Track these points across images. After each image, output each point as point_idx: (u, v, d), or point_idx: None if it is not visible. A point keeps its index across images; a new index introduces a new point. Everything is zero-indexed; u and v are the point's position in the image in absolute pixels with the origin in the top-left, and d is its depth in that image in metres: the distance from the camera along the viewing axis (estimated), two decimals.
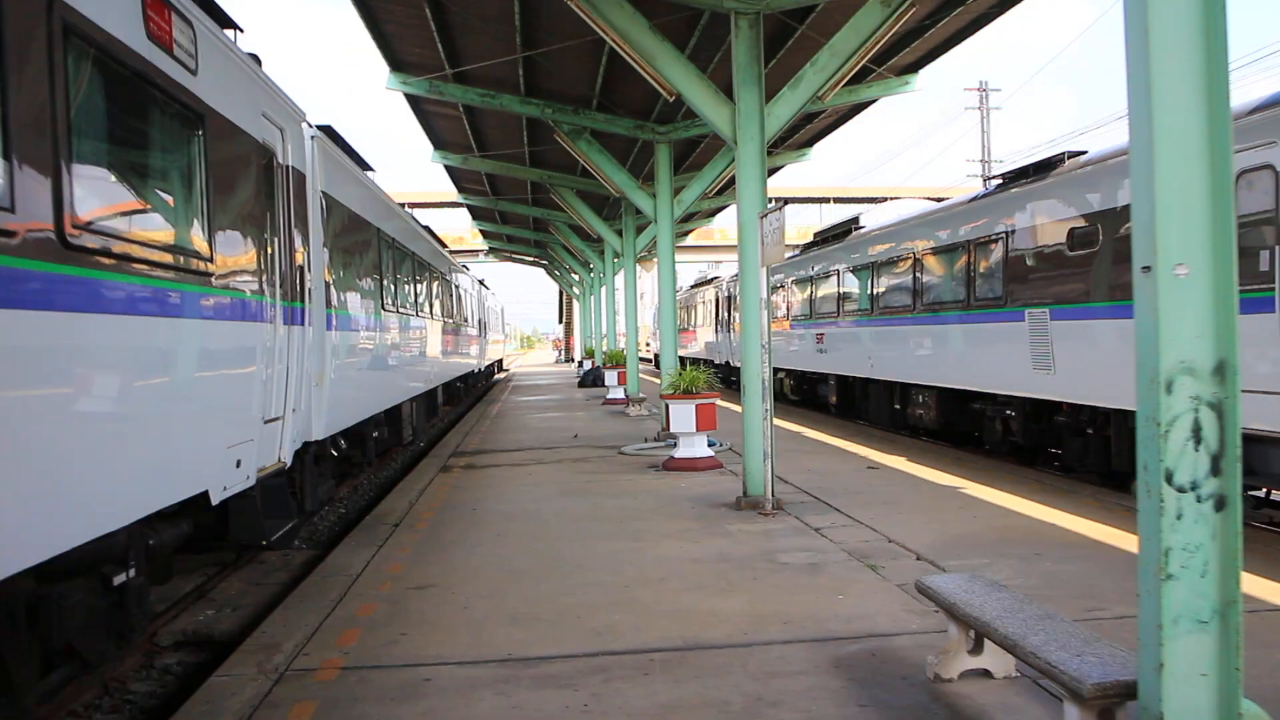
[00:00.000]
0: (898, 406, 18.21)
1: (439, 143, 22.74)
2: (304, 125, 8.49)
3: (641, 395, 22.64)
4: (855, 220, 20.84)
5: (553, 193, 24.11)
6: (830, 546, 8.36)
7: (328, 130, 10.10)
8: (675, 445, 13.54)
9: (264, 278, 6.86)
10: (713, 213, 34.06)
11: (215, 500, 5.99)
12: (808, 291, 23.18)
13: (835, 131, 21.69)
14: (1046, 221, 12.38)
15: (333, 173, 9.93)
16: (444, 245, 24.72)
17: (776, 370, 27.21)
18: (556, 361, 74.49)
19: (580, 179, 23.82)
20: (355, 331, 10.77)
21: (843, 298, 20.41)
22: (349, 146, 11.40)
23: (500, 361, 56.32)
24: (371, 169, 13.21)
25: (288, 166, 7.70)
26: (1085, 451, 12.64)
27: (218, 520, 7.03)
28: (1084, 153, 12.50)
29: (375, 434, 12.63)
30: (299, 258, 7.89)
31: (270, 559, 9.59)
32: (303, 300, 7.92)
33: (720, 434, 15.00)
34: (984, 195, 14.49)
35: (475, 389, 35.68)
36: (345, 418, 10.41)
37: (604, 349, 36.69)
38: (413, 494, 11.96)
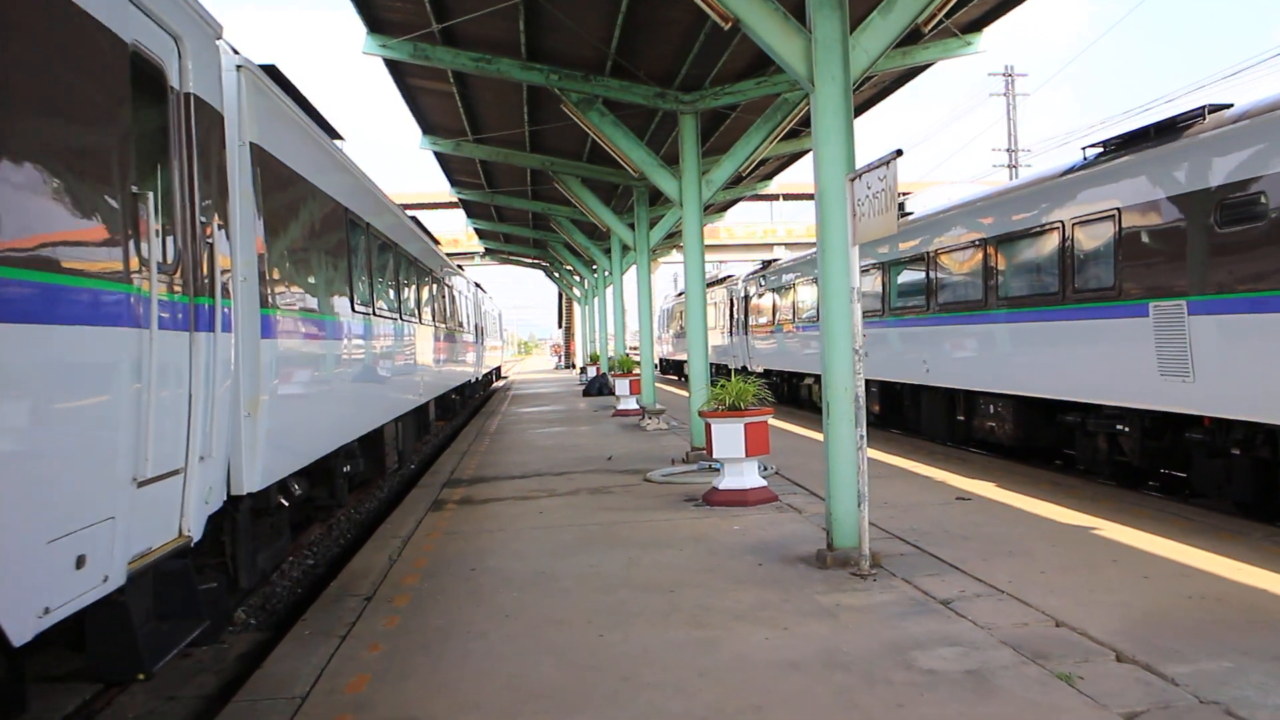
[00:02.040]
0: (960, 418, 15.72)
1: (428, 126, 20.26)
2: (220, 44, 5.97)
3: (659, 406, 20.14)
4: (900, 206, 18.36)
5: (556, 181, 21.63)
6: (980, 635, 5.87)
7: (271, 70, 7.61)
8: (718, 473, 11.05)
9: (132, 256, 4.38)
10: (725, 207, 31.55)
11: (18, 640, 3.49)
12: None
13: (878, 105, 19.27)
14: (1184, 192, 9.90)
15: (274, 124, 7.45)
16: (436, 242, 22.22)
17: (801, 376, 24.72)
18: (556, 368, 71.98)
19: (587, 165, 21.36)
20: (312, 339, 8.28)
21: (889, 293, 17.93)
22: (305, 99, 8.90)
23: (498, 369, 53.81)
24: (340, 137, 10.73)
25: (188, 96, 5.20)
26: (1227, 476, 10.20)
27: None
28: (1229, 105, 10.04)
29: (347, 468, 10.14)
30: (211, 232, 5.39)
31: (199, 653, 7.07)
32: (217, 295, 5.40)
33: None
34: (1084, 166, 12.01)
35: (472, 400, 33.16)
36: (297, 455, 7.92)
37: (611, 353, 34.20)
38: (395, 543, 9.46)
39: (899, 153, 6.58)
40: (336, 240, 9.60)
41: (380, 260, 12.48)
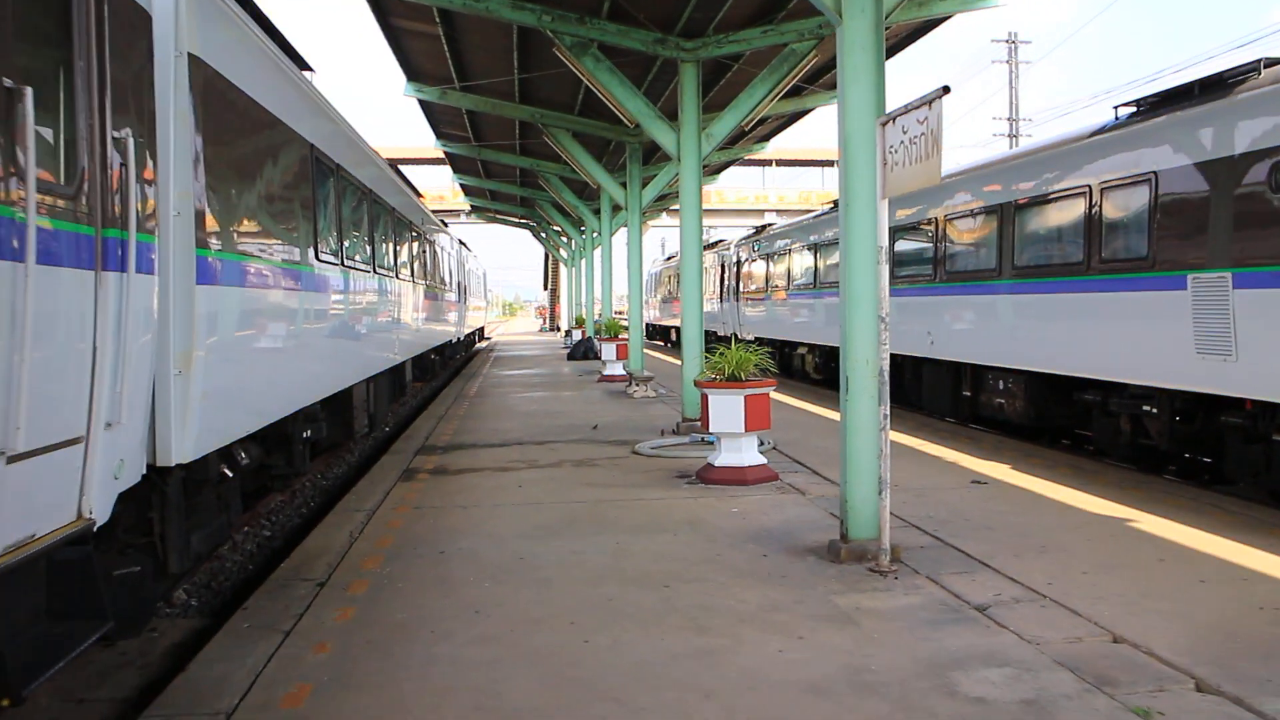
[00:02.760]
0: (966, 394, 14.89)
1: (412, 72, 19.16)
2: None
3: (647, 373, 19.26)
4: None
5: (545, 134, 20.58)
6: (1030, 653, 5.02)
7: None
8: (713, 447, 10.20)
9: (6, 167, 3.42)
10: (719, 169, 30.48)
11: None
12: (839, 254, 19.77)
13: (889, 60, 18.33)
14: (1235, 154, 9.02)
15: (223, 38, 6.45)
16: (419, 195, 21.19)
17: (795, 345, 23.88)
18: (541, 330, 70.99)
19: (579, 118, 20.32)
20: (264, 289, 7.31)
21: (891, 261, 17.04)
22: (267, 20, 7.89)
23: (481, 330, 52.78)
24: (310, 68, 9.72)
25: None
26: (1266, 464, 9.41)
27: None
28: None
29: (308, 433, 9.21)
30: (128, 154, 4.43)
31: (125, 644, 6.16)
32: (131, 228, 4.43)
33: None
34: (1115, 126, 11.11)
35: (453, 361, 32.21)
36: (244, 418, 6.98)
37: (597, 316, 33.28)
38: (358, 518, 8.58)
39: (946, 90, 5.67)
40: (301, 182, 8.61)
41: (354, 209, 11.50)
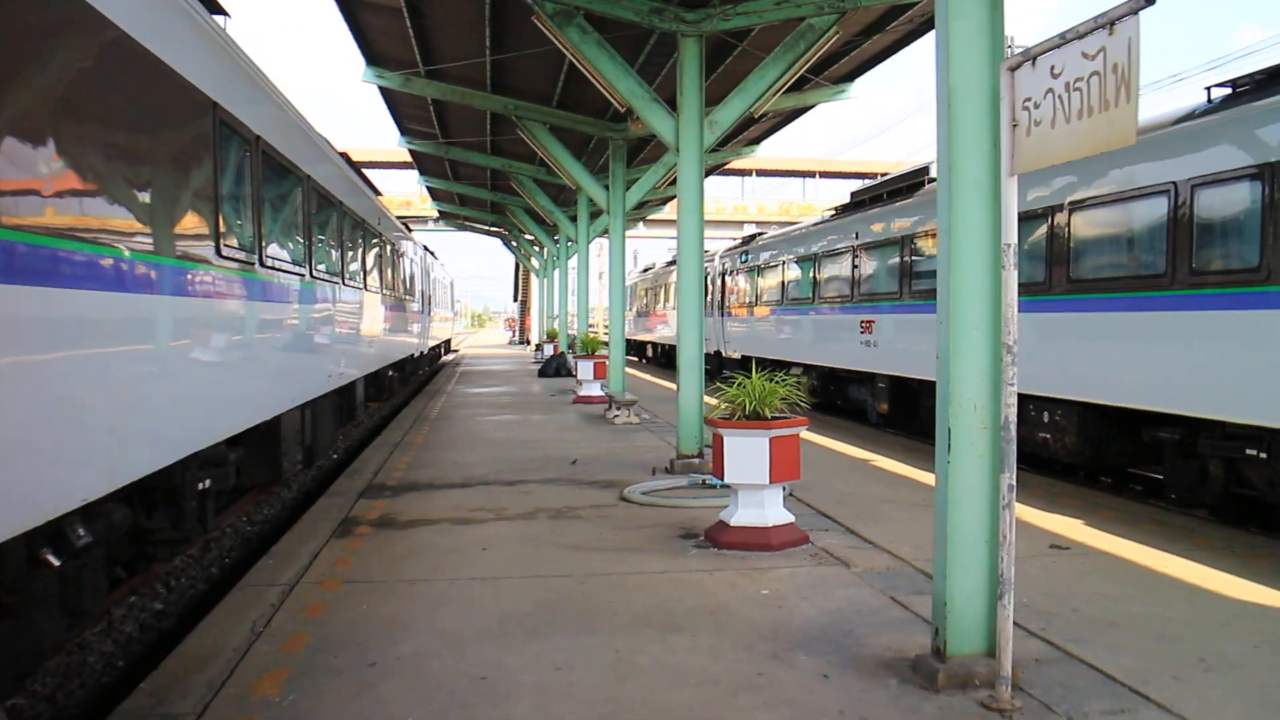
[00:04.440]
0: None
1: (373, 55, 17.09)
2: None
3: (630, 396, 17.18)
4: (924, 171, 15.55)
5: (520, 128, 18.52)
6: None
7: None
8: (716, 491, 8.22)
9: None
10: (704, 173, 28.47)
11: None
12: (842, 267, 17.85)
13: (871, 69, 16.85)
14: None
15: None
16: (376, 193, 19.05)
17: (788, 365, 21.89)
18: (510, 343, 68.73)
19: (557, 111, 18.30)
20: (108, 293, 5.14)
21: (907, 275, 15.11)
22: None
23: (448, 342, 50.49)
24: (222, 11, 7.63)
25: None
26: None
27: None
28: None
29: (206, 482, 7.08)
30: None
31: None
32: None
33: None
34: (1209, 110, 9.22)
35: (416, 376, 30.00)
36: (75, 479, 4.80)
37: (572, 330, 31.19)
38: (268, 600, 6.47)
39: (1149, 1, 3.67)
40: (191, 150, 6.45)
41: (283, 197, 9.38)
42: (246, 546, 9.93)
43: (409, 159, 30.86)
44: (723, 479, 7.81)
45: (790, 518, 7.95)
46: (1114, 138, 3.81)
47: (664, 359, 38.83)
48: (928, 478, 11.22)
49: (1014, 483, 4.57)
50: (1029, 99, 4.38)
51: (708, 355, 30.91)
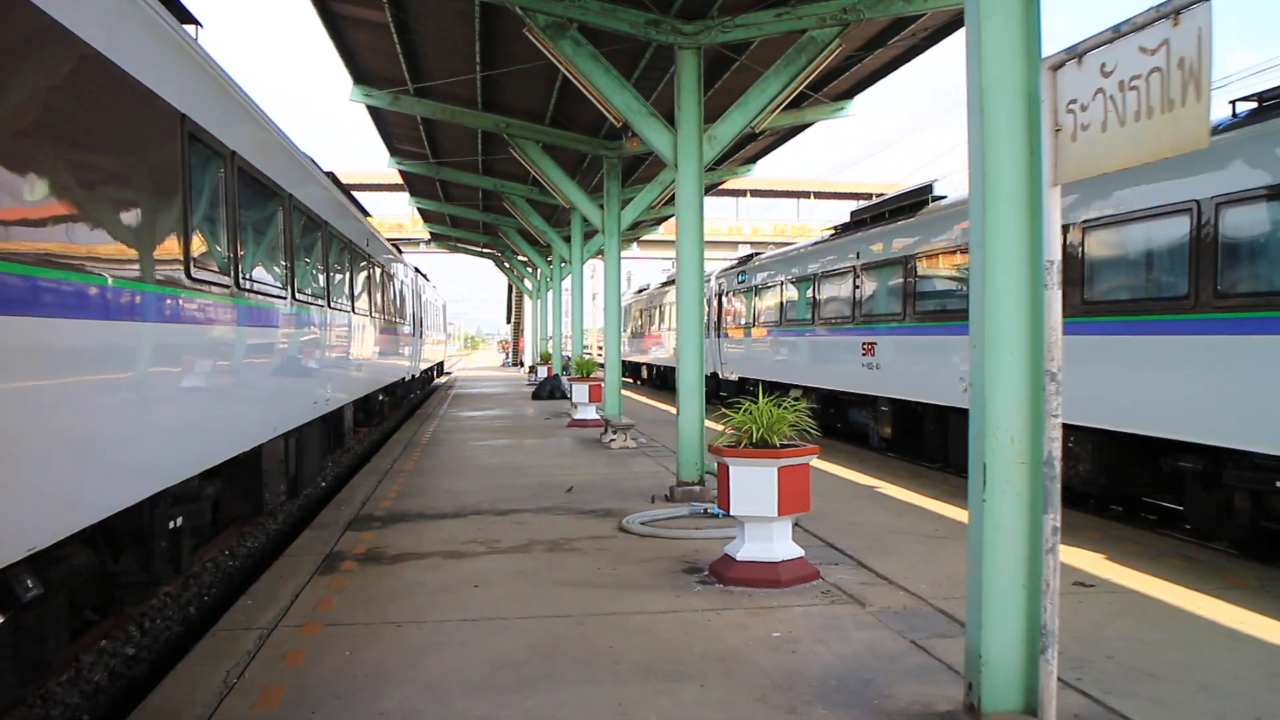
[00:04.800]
0: None
1: (360, 73, 16.73)
2: None
3: (626, 420, 16.74)
4: (928, 189, 15.20)
5: (512, 146, 18.15)
6: None
7: None
8: (719, 522, 7.79)
9: None
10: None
11: None
12: (843, 288, 17.48)
13: (872, 85, 16.58)
14: None
15: None
16: (365, 213, 18.65)
17: (786, 387, 21.47)
18: (503, 365, 68.26)
19: (550, 129, 17.93)
20: (67, 318, 4.70)
21: (911, 295, 14.72)
22: None
23: (441, 365, 50.01)
24: (195, 21, 7.22)
25: None
26: None
27: None
28: None
29: (177, 521, 6.62)
30: None
31: None
32: None
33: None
34: (1235, 125, 8.86)
35: (408, 400, 29.52)
36: (26, 522, 4.36)
37: (566, 351, 30.79)
38: (244, 646, 6.01)
39: None
40: (156, 165, 6.03)
41: (261, 216, 8.94)
42: (228, 582, 9.46)
43: (400, 181, 30.46)
44: (728, 510, 7.38)
45: (799, 552, 7.52)
46: (1181, 140, 3.41)
47: (659, 380, 38.41)
48: (938, 506, 10.81)
49: (1059, 524, 4.15)
50: (1074, 100, 3.98)
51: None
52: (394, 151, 23.23)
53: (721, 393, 30.02)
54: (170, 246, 6.15)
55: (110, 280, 5.22)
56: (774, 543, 7.37)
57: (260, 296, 8.47)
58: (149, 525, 6.15)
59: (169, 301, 6.08)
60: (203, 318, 6.73)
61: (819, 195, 58.55)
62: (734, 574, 7.31)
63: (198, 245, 6.66)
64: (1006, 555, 4.45)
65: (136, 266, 5.61)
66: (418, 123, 19.36)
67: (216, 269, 7.19)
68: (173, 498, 6.48)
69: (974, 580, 4.53)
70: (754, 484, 7.22)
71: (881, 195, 22.32)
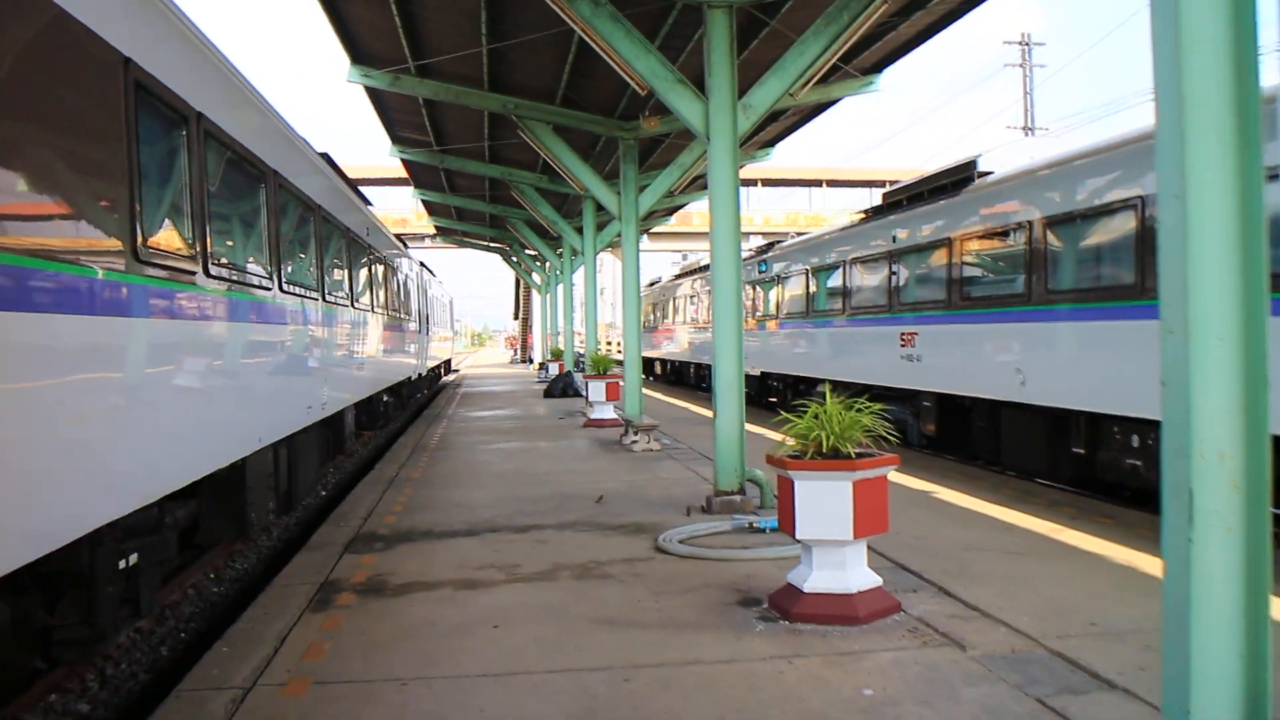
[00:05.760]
0: (1079, 450, 11.34)
1: (358, 52, 15.57)
2: None
3: (649, 420, 15.57)
4: (972, 165, 14.00)
5: (521, 128, 16.97)
6: None
7: None
8: (803, 559, 6.66)
9: None
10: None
11: None
12: (877, 274, 16.31)
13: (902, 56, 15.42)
14: None
15: None
16: (366, 202, 17.50)
17: (814, 382, 20.32)
18: (511, 362, 67.12)
19: (561, 109, 16.75)
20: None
21: (957, 280, 13.54)
22: None
23: (448, 362, 48.89)
24: None
25: None
26: None
27: None
28: None
29: (130, 559, 5.48)
30: None
31: None
32: None
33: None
34: None
35: (415, 400, 28.41)
36: None
37: (579, 347, 29.62)
38: (214, 711, 4.87)
39: None
40: (87, 118, 4.88)
41: (235, 191, 7.77)
42: (210, 614, 8.33)
43: (403, 175, 29.34)
44: (792, 534, 6.22)
45: (877, 580, 6.36)
46: None
47: (673, 376, 37.30)
48: (1007, 514, 9.65)
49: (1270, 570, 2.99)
50: None
51: (705, 372, 29.32)
52: (396, 140, 22.09)
53: (705, 385, 28.89)
54: (107, 221, 4.97)
55: (28, 263, 4.07)
56: (848, 570, 6.21)
57: (237, 287, 7.30)
58: (89, 568, 5.01)
59: (109, 290, 4.93)
60: (157, 310, 5.55)
61: (831, 183, 57.26)
62: (802, 609, 6.15)
63: (150, 223, 5.50)
64: (1218, 614, 3.29)
65: (64, 245, 4.46)
66: (420, 106, 18.21)
67: (176, 252, 6.02)
68: (123, 530, 5.33)
69: (1174, 647, 3.37)
70: (825, 501, 6.06)
71: (897, 182, 21.10)
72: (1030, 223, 11.72)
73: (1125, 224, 10.12)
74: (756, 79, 10.63)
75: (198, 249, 6.38)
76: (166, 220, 5.94)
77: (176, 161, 6.10)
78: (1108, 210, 10.39)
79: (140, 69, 5.39)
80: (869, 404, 6.42)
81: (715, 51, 9.93)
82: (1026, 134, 33.97)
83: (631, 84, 10.67)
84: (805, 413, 6.34)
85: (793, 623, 6.11)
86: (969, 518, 9.55)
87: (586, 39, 10.23)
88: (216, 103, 6.88)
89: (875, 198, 19.02)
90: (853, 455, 6.09)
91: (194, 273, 6.17)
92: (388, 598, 6.96)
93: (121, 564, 5.30)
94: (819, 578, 6.21)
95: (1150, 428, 10.03)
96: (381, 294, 17.23)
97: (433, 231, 45.85)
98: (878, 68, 16.11)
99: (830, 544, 6.15)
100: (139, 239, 5.22)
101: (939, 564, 7.58)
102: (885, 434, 6.38)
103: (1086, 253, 10.91)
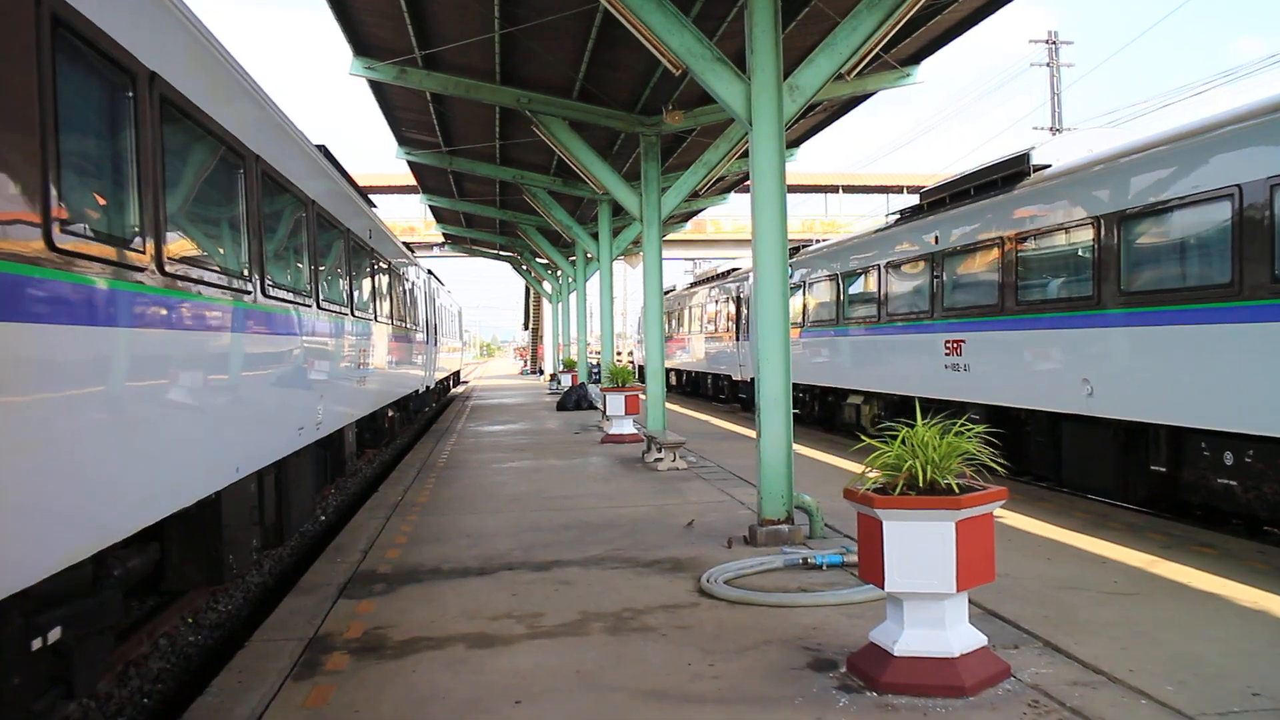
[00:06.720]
0: (1160, 468, 10.17)
1: (361, 44, 14.55)
2: None
3: (674, 436, 14.41)
4: (1025, 159, 12.84)
5: (535, 126, 15.89)
6: None
7: None
8: (891, 615, 5.51)
9: None
10: (730, 186, 25.58)
11: None
12: (916, 279, 15.18)
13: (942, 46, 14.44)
14: None
15: None
16: (370, 204, 16.43)
17: (844, 393, 19.16)
18: (522, 373, 66.05)
19: (578, 104, 15.68)
20: None
21: (1011, 283, 12.39)
22: None
23: (457, 374, 47.81)
24: None
25: None
26: None
27: None
28: None
29: (54, 633, 4.36)
30: None
31: None
32: None
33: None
34: None
35: (422, 414, 27.31)
36: None
37: (594, 358, 28.51)
38: None
39: None
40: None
41: (204, 176, 6.60)
42: (186, 668, 7.21)
43: (411, 182, 28.33)
44: (881, 586, 5.07)
45: (982, 640, 5.21)
46: None
47: (689, 387, 36.18)
48: (1089, 543, 8.52)
49: None
50: None
51: (738, 383, 28.24)
52: (403, 141, 21.09)
53: (741, 395, 27.74)
54: (26, 208, 3.86)
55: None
56: (947, 629, 5.07)
57: (204, 288, 6.15)
58: (12, 637, 3.88)
59: (25, 287, 3.81)
60: (84, 316, 4.41)
61: (848, 189, 56.07)
62: (893, 677, 5.00)
63: (74, 201, 4.37)
64: None
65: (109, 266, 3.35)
66: (428, 103, 17.19)
67: (121, 244, 4.89)
68: (37, 601, 4.20)
69: None
70: (921, 545, 4.93)
71: (920, 187, 19.95)
72: (1100, 218, 10.58)
73: (1218, 216, 8.98)
74: (795, 65, 9.53)
75: (151, 243, 5.22)
76: (104, 205, 4.80)
77: (115, 129, 4.95)
78: (1195, 202, 9.25)
79: (68, 5, 4.27)
80: (968, 424, 5.29)
81: (758, 26, 8.82)
82: (1054, 135, 32.86)
83: (664, 63, 9.56)
84: (888, 438, 5.21)
85: (882, 694, 4.97)
86: (1050, 548, 8.40)
87: (614, 12, 9.11)
88: (177, 62, 5.71)
89: (893, 203, 18.02)
90: (955, 489, 4.96)
91: (139, 269, 5.02)
92: (387, 660, 5.84)
93: (36, 643, 4.17)
94: (912, 637, 5.07)
95: (1249, 443, 8.89)
96: (385, 303, 16.14)
97: (441, 240, 44.86)
98: (915, 59, 15.10)
99: (928, 598, 5.00)
100: (51, 226, 4.03)
101: (1035, 609, 6.45)
102: (990, 462, 5.23)
103: (1169, 250, 9.77)
